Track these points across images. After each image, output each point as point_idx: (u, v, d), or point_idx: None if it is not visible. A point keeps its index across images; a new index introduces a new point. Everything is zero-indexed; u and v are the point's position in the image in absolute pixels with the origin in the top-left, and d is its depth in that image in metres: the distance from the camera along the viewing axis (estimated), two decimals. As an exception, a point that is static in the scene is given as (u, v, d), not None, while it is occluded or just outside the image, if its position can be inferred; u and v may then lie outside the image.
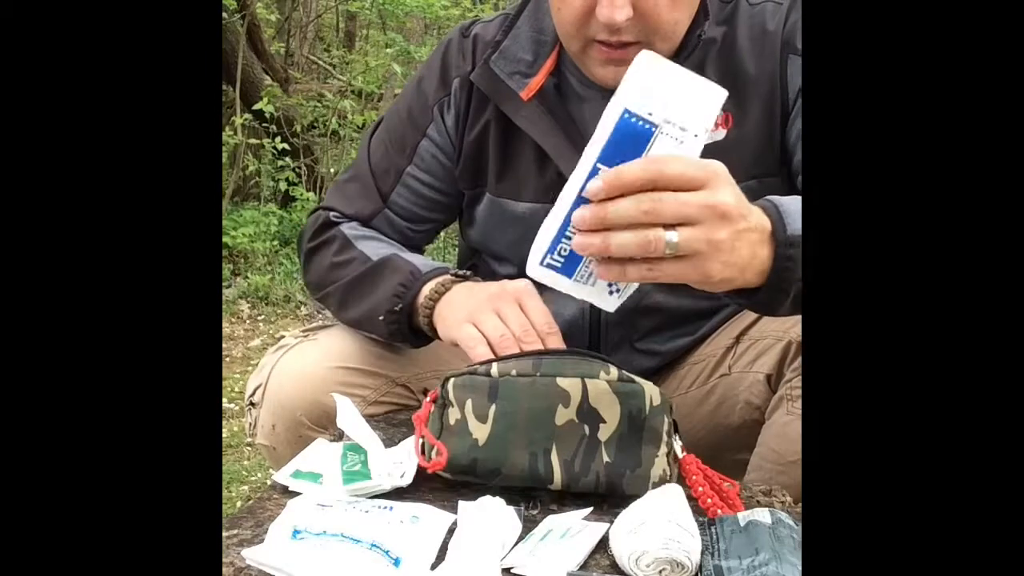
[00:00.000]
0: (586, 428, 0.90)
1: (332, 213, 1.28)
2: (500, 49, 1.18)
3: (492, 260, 1.29)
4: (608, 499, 0.91)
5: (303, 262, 1.31)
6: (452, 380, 0.93)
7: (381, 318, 1.14)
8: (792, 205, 0.88)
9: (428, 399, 0.95)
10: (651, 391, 0.91)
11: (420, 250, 1.32)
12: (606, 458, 0.89)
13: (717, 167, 0.82)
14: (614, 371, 0.91)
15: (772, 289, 0.87)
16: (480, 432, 0.90)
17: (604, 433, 0.90)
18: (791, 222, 0.86)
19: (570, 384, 0.90)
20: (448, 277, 1.12)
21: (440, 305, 1.10)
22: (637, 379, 0.92)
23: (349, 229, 1.25)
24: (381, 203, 1.26)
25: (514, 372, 0.92)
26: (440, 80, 1.24)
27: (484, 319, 1.03)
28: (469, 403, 0.91)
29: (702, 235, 0.80)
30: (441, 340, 1.11)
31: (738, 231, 0.83)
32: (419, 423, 0.93)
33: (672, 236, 0.80)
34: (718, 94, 0.85)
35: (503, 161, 1.20)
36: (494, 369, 0.92)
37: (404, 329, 1.14)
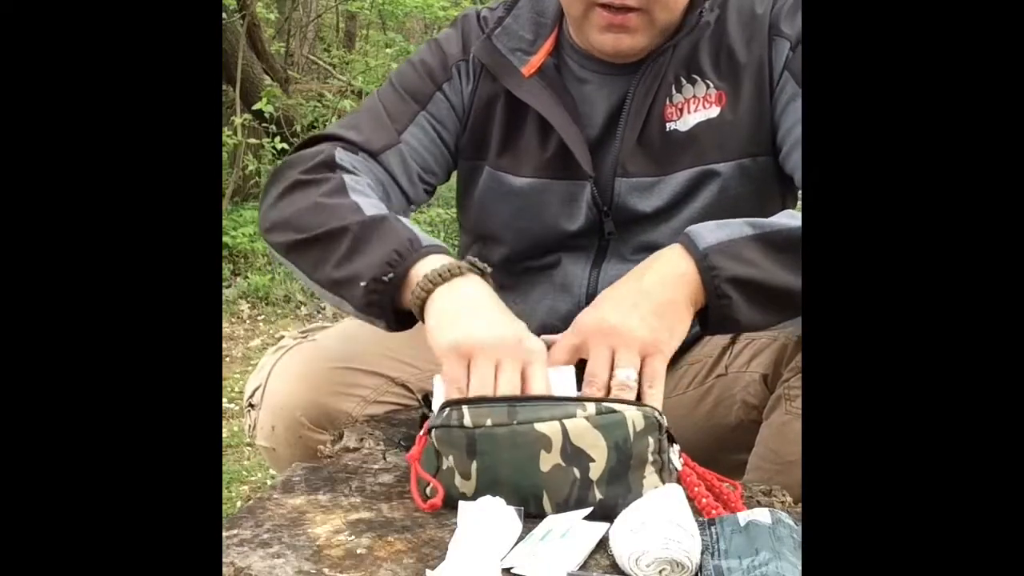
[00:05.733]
0: (576, 471, 0.86)
1: (338, 149, 1.15)
2: (503, 26, 1.22)
3: (488, 243, 1.27)
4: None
5: (276, 192, 1.13)
6: (434, 431, 0.89)
7: (363, 284, 0.98)
8: (702, 227, 0.97)
9: (422, 432, 0.91)
10: (633, 416, 0.87)
11: (409, 213, 1.23)
12: (599, 495, 0.87)
13: (574, 325, 0.96)
14: (591, 406, 0.87)
15: (714, 297, 0.94)
16: (467, 487, 0.88)
17: (595, 472, 0.86)
18: (700, 239, 0.95)
19: (549, 428, 0.86)
20: (456, 264, 0.97)
21: (441, 292, 0.95)
22: (617, 407, 0.87)
23: (350, 179, 1.11)
24: (395, 136, 1.20)
25: (489, 422, 0.87)
26: (461, 45, 1.25)
27: (477, 367, 0.90)
28: (451, 459, 0.88)
29: (626, 347, 0.91)
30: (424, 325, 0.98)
31: (636, 302, 0.93)
32: (412, 462, 0.90)
33: (620, 374, 0.91)
34: None
35: (506, 135, 1.22)
36: (467, 419, 0.87)
37: (385, 304, 0.98)
